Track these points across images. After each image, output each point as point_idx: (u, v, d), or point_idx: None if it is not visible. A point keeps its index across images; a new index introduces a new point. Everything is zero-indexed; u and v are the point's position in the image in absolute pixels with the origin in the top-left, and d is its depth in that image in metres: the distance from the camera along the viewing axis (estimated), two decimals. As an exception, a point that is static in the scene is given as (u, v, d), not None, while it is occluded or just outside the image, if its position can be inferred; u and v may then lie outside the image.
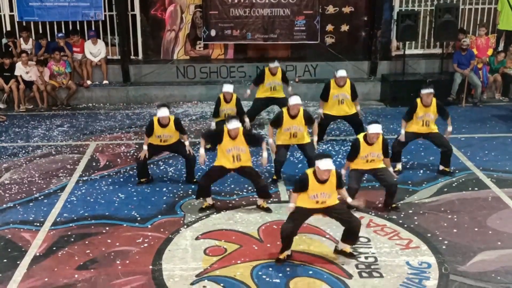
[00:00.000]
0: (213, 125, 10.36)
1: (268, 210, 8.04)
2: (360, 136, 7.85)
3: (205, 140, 8.33)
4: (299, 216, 6.66)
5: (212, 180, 8.09)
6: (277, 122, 8.71)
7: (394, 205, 8.07)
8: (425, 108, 8.94)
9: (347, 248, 6.87)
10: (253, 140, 8.08)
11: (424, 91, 8.91)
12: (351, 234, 6.75)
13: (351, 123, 10.63)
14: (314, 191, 6.49)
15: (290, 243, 6.75)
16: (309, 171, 6.57)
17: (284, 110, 8.64)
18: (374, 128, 7.63)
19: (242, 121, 9.58)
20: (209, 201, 8.13)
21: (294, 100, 8.51)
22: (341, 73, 10.07)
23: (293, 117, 8.55)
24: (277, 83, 11.16)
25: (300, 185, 6.54)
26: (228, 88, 10.13)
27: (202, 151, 8.16)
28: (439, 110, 9.03)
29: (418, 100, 8.97)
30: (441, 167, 9.26)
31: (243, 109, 10.47)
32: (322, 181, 6.47)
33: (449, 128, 9.19)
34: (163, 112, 8.52)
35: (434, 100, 8.96)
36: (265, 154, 8.04)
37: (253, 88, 11.37)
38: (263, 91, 11.27)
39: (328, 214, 6.78)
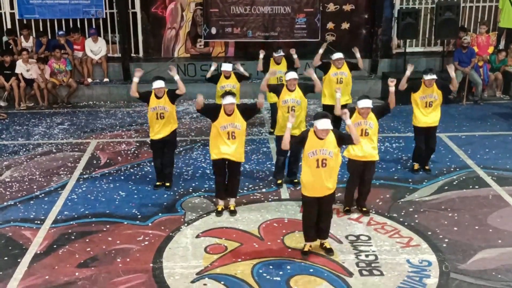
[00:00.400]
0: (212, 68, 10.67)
1: (233, 212, 7.94)
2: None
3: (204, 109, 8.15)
4: (311, 204, 6.72)
5: (221, 174, 7.96)
6: (275, 89, 8.74)
7: (365, 209, 7.92)
8: (428, 89, 8.88)
9: (327, 243, 6.97)
10: (249, 110, 7.94)
11: (427, 77, 8.80)
12: (324, 231, 6.93)
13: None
14: (313, 147, 6.48)
15: (312, 233, 6.84)
16: (311, 129, 6.60)
17: (284, 87, 8.58)
18: (364, 103, 7.57)
19: (245, 77, 10.62)
20: (221, 203, 8.05)
21: (291, 75, 8.48)
22: (338, 55, 10.19)
23: (291, 91, 8.50)
24: (282, 73, 10.73)
25: (300, 139, 6.66)
26: (227, 67, 10.23)
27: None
28: (440, 87, 8.94)
29: (422, 81, 8.92)
30: (416, 165, 9.30)
31: (244, 74, 10.62)
32: (321, 138, 6.50)
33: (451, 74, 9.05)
34: (159, 84, 8.46)
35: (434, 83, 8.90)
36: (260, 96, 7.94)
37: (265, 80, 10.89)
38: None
39: (324, 203, 6.76)
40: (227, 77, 10.26)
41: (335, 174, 6.68)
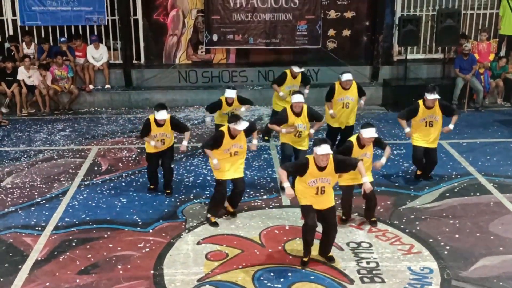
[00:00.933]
0: (207, 120, 10.39)
1: (233, 214, 8.05)
2: (353, 139, 7.58)
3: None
4: (310, 211, 6.69)
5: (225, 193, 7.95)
6: (281, 120, 8.55)
7: (373, 219, 7.85)
8: (428, 110, 8.69)
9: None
10: (250, 129, 7.92)
11: (430, 97, 8.55)
12: (327, 245, 6.92)
13: (342, 134, 10.04)
14: (312, 177, 6.51)
15: (311, 243, 6.82)
16: (310, 157, 6.57)
17: (288, 107, 8.58)
18: (368, 133, 7.39)
19: (249, 103, 10.12)
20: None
21: (297, 98, 8.37)
22: (347, 76, 9.75)
23: (297, 114, 8.47)
24: (296, 87, 10.75)
25: (300, 168, 6.58)
26: (230, 93, 9.64)
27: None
28: (443, 109, 8.73)
29: (420, 102, 8.71)
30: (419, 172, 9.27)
31: (247, 99, 10.19)
32: (321, 168, 6.49)
33: (450, 126, 8.87)
34: (162, 115, 8.28)
35: (436, 102, 8.69)
36: (254, 141, 8.18)
37: (277, 88, 10.72)
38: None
39: (325, 216, 6.77)
40: (230, 104, 9.83)
41: (332, 193, 6.78)
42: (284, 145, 8.73)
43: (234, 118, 7.64)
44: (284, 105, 10.07)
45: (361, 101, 10.00)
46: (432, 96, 8.58)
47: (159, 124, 8.42)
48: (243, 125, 7.51)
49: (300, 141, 8.67)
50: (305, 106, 8.48)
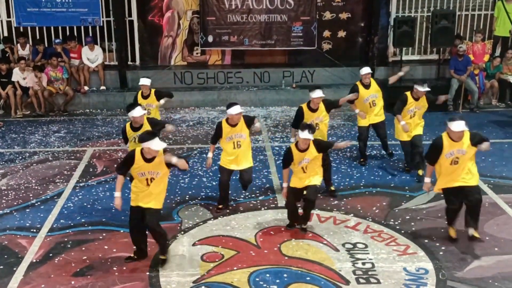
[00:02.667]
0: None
1: None
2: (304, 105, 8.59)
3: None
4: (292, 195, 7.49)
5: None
6: (299, 120, 8.37)
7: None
8: (416, 101, 9.06)
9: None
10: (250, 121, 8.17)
11: (420, 89, 8.90)
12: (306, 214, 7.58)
13: (378, 132, 9.95)
14: (298, 159, 7.22)
15: (296, 217, 7.63)
16: (292, 145, 7.34)
17: (304, 105, 8.62)
18: (317, 93, 8.43)
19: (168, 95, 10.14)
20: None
21: (317, 93, 8.49)
22: (366, 70, 9.75)
23: (314, 110, 8.57)
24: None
25: (286, 158, 7.35)
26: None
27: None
28: (429, 102, 9.16)
29: (408, 94, 9.08)
30: (420, 171, 9.15)
31: (166, 92, 10.19)
32: (302, 150, 7.22)
33: (442, 97, 9.42)
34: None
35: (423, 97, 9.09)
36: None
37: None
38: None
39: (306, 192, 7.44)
40: (146, 97, 9.77)
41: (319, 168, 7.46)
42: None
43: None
44: None
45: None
46: (422, 89, 8.92)
47: (134, 128, 7.97)
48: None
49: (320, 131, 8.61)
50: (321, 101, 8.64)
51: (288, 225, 7.75)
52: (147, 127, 7.90)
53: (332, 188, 8.76)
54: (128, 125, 8.06)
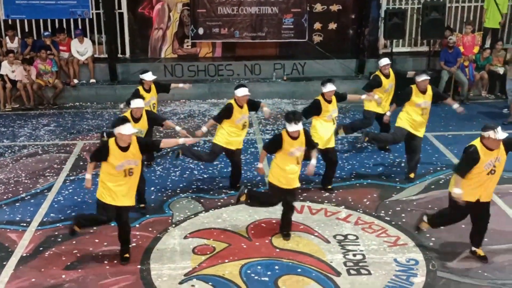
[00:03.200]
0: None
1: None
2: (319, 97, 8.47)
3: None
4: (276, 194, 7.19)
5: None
6: (316, 111, 8.48)
7: (330, 187, 8.59)
8: (423, 94, 8.60)
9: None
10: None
11: (419, 78, 8.56)
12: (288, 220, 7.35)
13: (380, 122, 9.92)
14: (290, 147, 6.90)
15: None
16: (283, 132, 6.99)
17: (320, 97, 8.48)
18: (329, 87, 8.37)
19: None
20: None
21: (330, 87, 8.42)
22: (385, 61, 9.92)
23: (329, 102, 8.50)
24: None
25: (275, 143, 7.00)
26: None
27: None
28: (435, 95, 8.79)
29: (414, 86, 8.64)
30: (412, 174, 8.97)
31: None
32: (294, 138, 6.90)
33: (455, 105, 9.20)
34: (149, 76, 9.14)
35: (429, 87, 8.68)
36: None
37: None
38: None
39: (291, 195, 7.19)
40: (148, 90, 9.36)
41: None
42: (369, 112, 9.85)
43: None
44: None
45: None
46: (422, 77, 8.55)
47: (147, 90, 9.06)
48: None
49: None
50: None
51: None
52: (145, 120, 8.00)
53: (330, 186, 8.66)
54: (128, 113, 7.95)
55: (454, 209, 6.61)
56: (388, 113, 9.29)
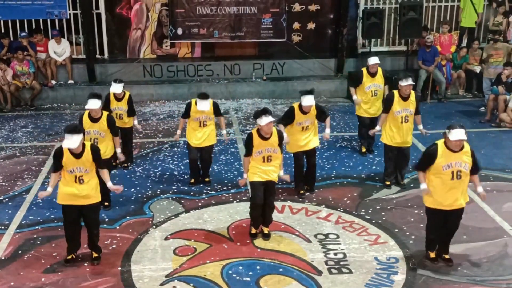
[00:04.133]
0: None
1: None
2: (296, 105, 8.13)
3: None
4: (257, 189, 7.15)
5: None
6: (287, 120, 8.21)
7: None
8: (404, 102, 8.37)
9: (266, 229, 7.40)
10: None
11: (403, 83, 8.24)
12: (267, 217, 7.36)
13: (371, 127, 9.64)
14: (259, 147, 6.98)
15: (258, 217, 7.32)
16: (253, 130, 7.07)
17: (296, 105, 8.11)
18: (307, 101, 7.94)
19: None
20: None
21: (307, 100, 7.96)
22: (374, 60, 9.60)
23: (305, 113, 8.11)
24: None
25: (247, 143, 7.06)
26: (116, 88, 9.10)
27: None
28: (416, 104, 8.49)
29: (396, 92, 8.41)
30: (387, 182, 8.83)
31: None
32: (265, 138, 6.97)
33: (421, 127, 8.71)
34: (117, 88, 9.04)
35: (413, 92, 8.47)
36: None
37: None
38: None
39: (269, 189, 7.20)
40: (120, 99, 9.31)
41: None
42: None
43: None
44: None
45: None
46: (406, 82, 8.26)
47: (117, 98, 9.13)
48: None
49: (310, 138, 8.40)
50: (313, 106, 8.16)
51: (253, 233, 7.33)
52: (104, 121, 7.80)
53: (302, 191, 8.55)
54: (86, 114, 7.82)
55: (428, 220, 6.70)
56: (377, 127, 8.82)
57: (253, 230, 7.37)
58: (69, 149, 6.43)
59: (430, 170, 6.40)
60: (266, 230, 7.36)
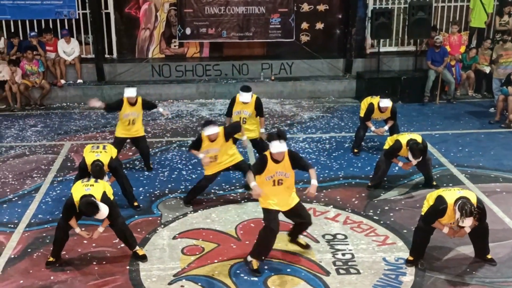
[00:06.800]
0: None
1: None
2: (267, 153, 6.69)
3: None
4: (272, 216, 6.53)
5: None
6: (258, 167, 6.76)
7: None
8: (381, 113, 9.55)
9: (302, 240, 7.05)
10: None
11: (382, 104, 9.48)
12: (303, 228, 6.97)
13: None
14: (270, 172, 6.40)
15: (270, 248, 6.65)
16: (267, 153, 6.46)
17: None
18: (276, 148, 6.40)
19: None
20: None
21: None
22: (386, 102, 9.59)
23: (278, 162, 7.02)
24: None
25: (260, 165, 6.44)
26: (131, 92, 9.05)
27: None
28: (392, 115, 9.64)
29: (375, 103, 9.52)
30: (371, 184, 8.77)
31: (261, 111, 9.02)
32: (277, 161, 6.38)
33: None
34: (131, 92, 9.02)
35: (390, 106, 9.54)
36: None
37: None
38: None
39: (292, 212, 6.68)
40: (133, 104, 9.24)
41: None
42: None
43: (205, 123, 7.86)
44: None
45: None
46: (385, 103, 9.47)
47: (130, 103, 9.09)
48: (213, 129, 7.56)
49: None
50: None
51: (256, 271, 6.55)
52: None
53: None
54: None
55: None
56: (386, 127, 9.79)
57: (255, 265, 6.51)
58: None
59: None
60: (303, 242, 7.00)
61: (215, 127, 7.78)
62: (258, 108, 8.87)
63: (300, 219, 6.77)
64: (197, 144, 7.97)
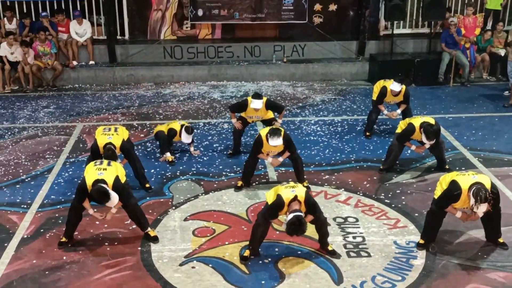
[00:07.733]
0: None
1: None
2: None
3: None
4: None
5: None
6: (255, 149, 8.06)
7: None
8: (393, 96, 9.60)
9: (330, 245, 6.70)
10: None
11: (393, 87, 9.44)
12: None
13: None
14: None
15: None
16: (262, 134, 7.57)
17: (264, 136, 7.76)
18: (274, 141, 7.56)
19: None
20: None
21: (274, 141, 7.60)
22: (397, 87, 9.53)
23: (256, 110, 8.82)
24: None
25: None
26: (257, 104, 8.75)
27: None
28: (405, 98, 9.67)
29: (388, 87, 9.52)
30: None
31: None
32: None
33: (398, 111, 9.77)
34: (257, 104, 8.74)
35: (403, 90, 9.56)
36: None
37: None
38: None
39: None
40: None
41: None
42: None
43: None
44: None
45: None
46: (397, 87, 9.50)
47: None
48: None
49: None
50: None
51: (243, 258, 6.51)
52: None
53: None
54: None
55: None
56: (398, 111, 9.88)
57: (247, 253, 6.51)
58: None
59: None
60: (330, 247, 6.65)
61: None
62: (272, 108, 8.96)
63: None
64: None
